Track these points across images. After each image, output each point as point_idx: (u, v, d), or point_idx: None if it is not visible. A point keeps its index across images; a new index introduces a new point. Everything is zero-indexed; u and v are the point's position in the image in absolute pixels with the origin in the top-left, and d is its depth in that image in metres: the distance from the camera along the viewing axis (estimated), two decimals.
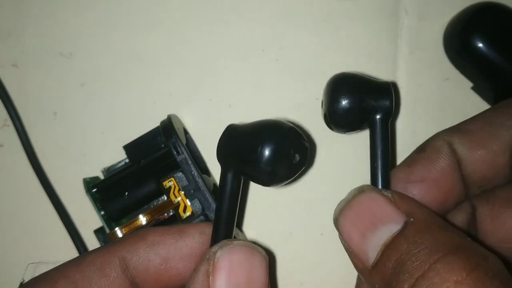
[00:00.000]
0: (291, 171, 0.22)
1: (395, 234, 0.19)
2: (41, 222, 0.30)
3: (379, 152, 0.24)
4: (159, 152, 0.27)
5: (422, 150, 0.24)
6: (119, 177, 0.27)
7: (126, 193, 0.27)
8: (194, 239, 0.23)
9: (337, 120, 0.24)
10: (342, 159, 0.31)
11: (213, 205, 0.26)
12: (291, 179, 0.23)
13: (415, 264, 0.18)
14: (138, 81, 0.31)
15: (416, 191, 0.24)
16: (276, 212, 0.30)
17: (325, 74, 0.31)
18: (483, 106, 0.30)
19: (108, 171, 0.29)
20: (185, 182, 0.27)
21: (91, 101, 0.31)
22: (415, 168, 0.24)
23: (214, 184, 0.29)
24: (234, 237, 0.22)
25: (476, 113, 0.28)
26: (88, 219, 0.29)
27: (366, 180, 0.30)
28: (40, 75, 0.31)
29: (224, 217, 0.22)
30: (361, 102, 0.24)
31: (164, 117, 0.29)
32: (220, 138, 0.23)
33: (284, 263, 0.30)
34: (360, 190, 0.21)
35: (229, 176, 0.22)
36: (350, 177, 0.31)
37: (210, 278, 0.19)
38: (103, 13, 0.31)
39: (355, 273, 0.30)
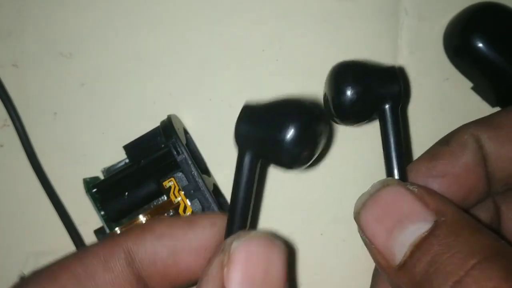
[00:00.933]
0: (315, 152, 0.21)
1: (426, 233, 0.18)
2: (41, 222, 0.30)
3: (392, 144, 0.22)
4: (159, 152, 0.27)
5: (446, 143, 0.23)
6: (119, 177, 0.27)
7: (126, 193, 0.27)
8: (205, 230, 0.22)
9: (344, 112, 0.23)
10: (342, 159, 0.31)
11: (213, 205, 0.26)
12: (313, 161, 0.21)
13: (450, 268, 0.17)
14: (138, 81, 0.31)
15: (437, 186, 0.22)
16: (276, 212, 0.30)
17: (325, 74, 0.31)
18: (483, 106, 0.30)
19: (108, 171, 0.29)
20: (185, 182, 0.27)
21: (91, 101, 0.31)
22: (438, 162, 0.23)
23: (214, 184, 0.29)
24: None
25: (476, 113, 0.28)
26: (88, 219, 0.29)
27: (367, 180, 0.31)
28: (40, 75, 0.31)
29: (240, 206, 0.20)
30: (368, 91, 0.22)
31: (164, 117, 0.29)
32: (238, 117, 0.21)
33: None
34: (385, 184, 0.20)
35: (247, 158, 0.20)
36: (350, 177, 0.31)
37: (225, 270, 0.18)
38: (103, 13, 0.31)
39: (355, 273, 0.30)
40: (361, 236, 0.20)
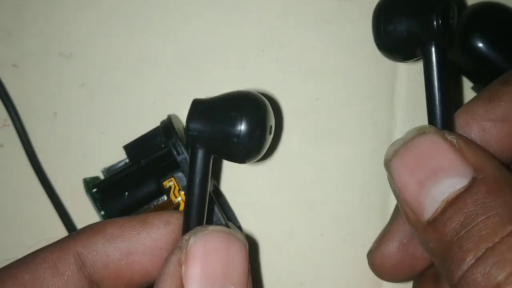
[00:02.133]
0: (265, 145, 0.21)
1: (461, 190, 0.17)
2: (41, 222, 0.30)
3: (435, 86, 0.21)
4: (159, 152, 0.27)
5: (507, 82, 0.21)
6: (119, 177, 0.27)
7: (126, 193, 0.27)
8: (159, 230, 0.21)
9: (386, 49, 0.22)
10: (342, 159, 0.31)
11: (213, 205, 0.26)
12: (263, 154, 0.22)
13: (484, 232, 0.16)
14: (138, 81, 0.31)
15: (496, 132, 0.20)
16: (276, 212, 0.30)
17: (325, 74, 0.31)
18: None
19: (108, 171, 0.29)
20: (185, 182, 0.27)
21: (91, 101, 0.31)
22: (498, 104, 0.20)
23: (214, 184, 0.29)
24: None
25: None
26: (88, 219, 0.29)
27: (367, 180, 0.31)
28: (40, 75, 0.31)
29: (196, 202, 0.20)
30: (407, 28, 0.21)
31: (164, 117, 0.29)
32: (188, 114, 0.21)
33: (284, 263, 0.30)
34: (421, 132, 0.19)
35: (200, 155, 0.20)
36: (350, 177, 0.31)
37: (183, 267, 0.17)
38: (103, 13, 0.31)
39: (355, 273, 0.30)
40: (390, 185, 0.19)
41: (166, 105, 0.31)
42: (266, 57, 0.31)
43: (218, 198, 0.29)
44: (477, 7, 0.29)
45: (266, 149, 0.21)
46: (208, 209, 0.21)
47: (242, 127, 0.19)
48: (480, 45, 0.28)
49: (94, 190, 0.27)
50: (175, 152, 0.27)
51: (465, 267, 0.16)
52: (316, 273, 0.30)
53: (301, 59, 0.31)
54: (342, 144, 0.30)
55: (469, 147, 0.18)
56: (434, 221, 0.17)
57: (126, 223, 0.21)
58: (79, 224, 0.30)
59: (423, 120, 0.31)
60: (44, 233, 0.30)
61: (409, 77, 0.31)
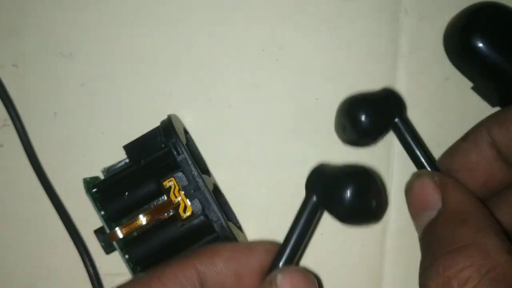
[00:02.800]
0: (366, 216, 0.24)
1: (431, 220, 0.22)
2: (41, 222, 0.30)
3: (414, 146, 0.27)
4: (159, 152, 0.27)
5: (464, 139, 0.26)
6: (119, 177, 0.27)
7: (126, 193, 0.27)
8: (262, 256, 0.24)
9: (366, 133, 0.27)
10: (342, 159, 0.31)
11: (213, 205, 0.26)
12: (364, 224, 0.26)
13: (429, 256, 0.21)
14: (138, 81, 0.31)
15: (462, 179, 0.25)
16: (276, 212, 0.30)
17: (325, 74, 0.31)
18: (483, 106, 0.30)
19: (108, 171, 0.29)
20: (185, 182, 0.27)
21: (91, 101, 0.31)
22: (455, 156, 0.26)
23: (214, 184, 0.29)
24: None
25: (476, 113, 0.28)
26: (88, 219, 0.29)
27: None
28: (40, 75, 0.31)
29: (292, 242, 0.23)
30: (380, 112, 0.27)
31: (164, 117, 0.29)
32: (312, 170, 0.25)
33: None
34: (416, 175, 0.24)
35: (311, 202, 0.24)
36: None
37: None
38: (103, 13, 0.31)
39: (355, 273, 0.30)
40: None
41: (166, 105, 0.31)
42: (266, 57, 0.31)
43: (218, 198, 0.29)
44: (477, 7, 0.29)
45: (367, 221, 0.25)
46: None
47: (345, 192, 0.23)
48: (480, 45, 0.28)
49: (94, 190, 0.27)
50: (175, 152, 0.26)
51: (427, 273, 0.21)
52: (316, 273, 0.30)
53: (301, 59, 0.31)
54: (342, 144, 0.30)
55: (442, 183, 0.23)
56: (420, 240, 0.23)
57: (236, 247, 0.24)
58: (79, 224, 0.30)
59: (422, 119, 0.31)
60: (44, 233, 0.30)
61: (408, 77, 0.31)
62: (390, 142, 0.30)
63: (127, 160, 0.29)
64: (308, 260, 0.30)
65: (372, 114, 0.27)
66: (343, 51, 0.31)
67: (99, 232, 0.28)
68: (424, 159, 0.26)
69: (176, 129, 0.27)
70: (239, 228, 0.30)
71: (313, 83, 0.31)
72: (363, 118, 0.27)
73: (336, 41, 0.31)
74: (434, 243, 0.21)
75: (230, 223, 0.27)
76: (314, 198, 0.24)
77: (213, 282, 0.23)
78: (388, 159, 0.31)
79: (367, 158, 0.30)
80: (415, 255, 0.22)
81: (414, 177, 0.24)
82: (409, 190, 0.24)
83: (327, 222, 0.30)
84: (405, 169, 0.30)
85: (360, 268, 0.30)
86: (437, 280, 0.20)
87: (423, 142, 0.28)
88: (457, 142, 0.26)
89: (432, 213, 0.22)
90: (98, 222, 0.28)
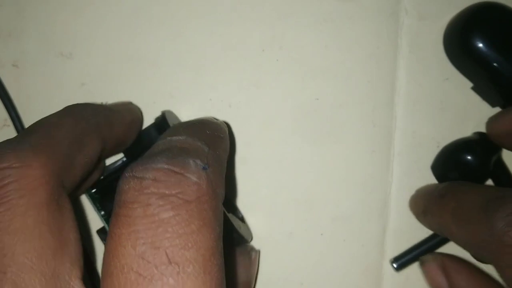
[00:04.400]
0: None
1: None
2: None
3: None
4: None
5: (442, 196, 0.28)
6: (116, 176, 0.27)
7: None
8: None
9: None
10: (342, 159, 0.31)
11: None
12: None
13: None
14: (138, 81, 0.31)
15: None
16: (276, 212, 0.30)
17: (325, 74, 0.31)
18: (483, 106, 0.30)
19: (106, 170, 0.29)
20: None
21: (91, 101, 0.31)
22: (430, 215, 0.28)
23: None
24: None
25: (476, 113, 0.28)
26: (88, 219, 0.29)
27: (367, 181, 0.31)
28: (40, 75, 0.31)
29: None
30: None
31: None
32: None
33: (284, 263, 0.30)
34: (423, 260, 0.29)
35: None
36: (350, 177, 0.31)
37: None
38: (103, 13, 0.31)
39: (355, 273, 0.30)
40: None
41: (166, 105, 0.31)
42: (266, 57, 0.31)
43: None
44: (477, 7, 0.29)
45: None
46: None
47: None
48: (480, 45, 0.28)
49: (93, 190, 0.27)
50: None
51: None
52: (316, 273, 0.30)
53: (301, 59, 0.31)
54: (342, 144, 0.30)
55: (447, 267, 0.27)
56: None
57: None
58: (79, 224, 0.30)
59: (422, 119, 0.31)
60: None
61: (409, 77, 0.31)
62: (390, 141, 0.30)
63: (124, 159, 0.29)
64: (308, 260, 0.30)
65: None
66: (343, 51, 0.31)
67: (101, 232, 0.28)
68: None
69: (171, 125, 0.27)
70: (241, 219, 0.30)
71: (313, 83, 0.31)
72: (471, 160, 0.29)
73: (336, 41, 0.31)
74: None
75: (230, 215, 0.27)
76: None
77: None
78: (388, 159, 0.31)
79: (367, 158, 0.31)
80: None
81: (424, 259, 0.28)
82: (423, 270, 0.28)
83: (327, 222, 0.31)
84: (405, 169, 0.30)
85: (360, 268, 0.30)
86: None
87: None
88: (433, 200, 0.28)
89: None
90: (98, 222, 0.28)
